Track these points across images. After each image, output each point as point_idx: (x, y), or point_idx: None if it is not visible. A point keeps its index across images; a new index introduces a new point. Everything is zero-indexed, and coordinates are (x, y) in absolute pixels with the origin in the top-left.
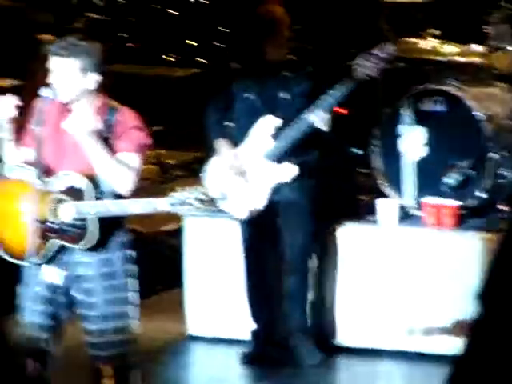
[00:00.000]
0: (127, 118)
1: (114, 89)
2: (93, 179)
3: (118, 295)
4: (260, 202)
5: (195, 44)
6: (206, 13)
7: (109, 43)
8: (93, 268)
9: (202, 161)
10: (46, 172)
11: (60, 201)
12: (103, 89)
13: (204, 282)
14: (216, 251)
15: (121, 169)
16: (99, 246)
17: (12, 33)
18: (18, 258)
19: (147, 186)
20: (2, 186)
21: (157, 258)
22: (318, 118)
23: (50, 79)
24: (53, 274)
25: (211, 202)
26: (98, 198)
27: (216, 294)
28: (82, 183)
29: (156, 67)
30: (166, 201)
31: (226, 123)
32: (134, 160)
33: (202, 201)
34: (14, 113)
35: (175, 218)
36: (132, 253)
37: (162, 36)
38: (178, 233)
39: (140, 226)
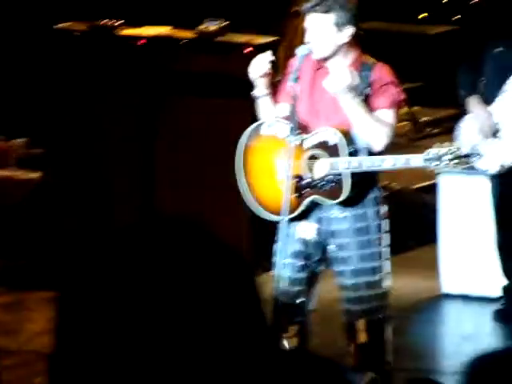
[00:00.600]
0: (383, 73)
1: (370, 45)
2: (347, 135)
3: (372, 250)
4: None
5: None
6: None
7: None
8: (347, 223)
9: (455, 118)
10: (301, 127)
11: (315, 156)
12: (358, 44)
13: (457, 239)
14: (469, 208)
15: (376, 125)
16: (353, 201)
17: None
18: (273, 214)
19: (400, 143)
20: (258, 141)
21: (410, 215)
22: None
23: (306, 36)
24: (307, 229)
25: (466, 159)
26: (352, 154)
27: (469, 251)
28: (337, 139)
29: (412, 24)
30: (422, 156)
31: (479, 80)
32: (389, 116)
33: (457, 157)
34: (268, 69)
35: (429, 175)
36: (385, 208)
37: None
38: (431, 190)
39: (394, 182)
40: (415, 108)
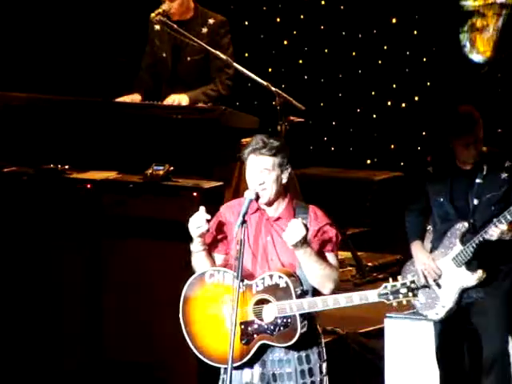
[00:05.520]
0: (319, 216)
1: (316, 191)
2: (293, 277)
3: None
4: (450, 304)
5: (395, 147)
6: (402, 116)
7: (309, 146)
8: (291, 365)
9: (401, 264)
10: (245, 273)
11: (262, 301)
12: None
13: (404, 382)
14: (415, 352)
15: (327, 271)
16: (297, 343)
17: (215, 138)
18: (220, 362)
19: (345, 288)
20: (201, 290)
21: (356, 359)
22: (498, 230)
23: (254, 179)
24: (251, 373)
25: (420, 290)
26: (300, 295)
27: None
28: (283, 282)
29: (357, 170)
30: (377, 292)
31: (424, 226)
32: (334, 259)
33: (412, 289)
34: (205, 228)
35: (375, 320)
36: (324, 349)
37: (362, 140)
38: (376, 334)
39: (338, 328)
40: (361, 253)
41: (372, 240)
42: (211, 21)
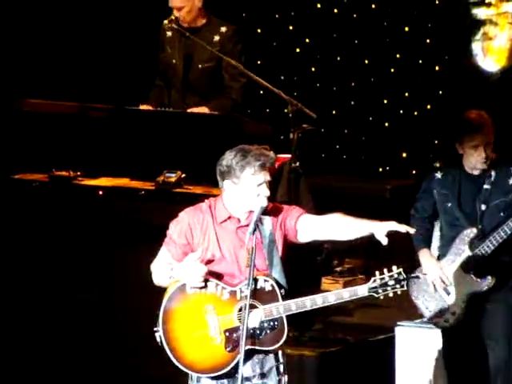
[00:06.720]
0: (279, 206)
1: (322, 199)
2: (275, 280)
3: None
4: (459, 311)
5: (407, 156)
6: (414, 124)
7: (321, 154)
8: (267, 364)
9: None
10: (225, 281)
11: (249, 306)
12: None
13: None
14: (426, 360)
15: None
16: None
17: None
18: (205, 372)
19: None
20: (183, 302)
21: (366, 368)
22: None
23: (265, 189)
24: (226, 380)
25: (408, 280)
26: (284, 297)
27: None
28: (269, 285)
29: (368, 179)
30: (367, 286)
31: (431, 232)
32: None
33: (400, 281)
34: (203, 281)
35: (385, 328)
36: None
37: (374, 148)
38: (386, 343)
39: (349, 336)
40: (369, 261)
41: (383, 248)
42: (223, 29)
